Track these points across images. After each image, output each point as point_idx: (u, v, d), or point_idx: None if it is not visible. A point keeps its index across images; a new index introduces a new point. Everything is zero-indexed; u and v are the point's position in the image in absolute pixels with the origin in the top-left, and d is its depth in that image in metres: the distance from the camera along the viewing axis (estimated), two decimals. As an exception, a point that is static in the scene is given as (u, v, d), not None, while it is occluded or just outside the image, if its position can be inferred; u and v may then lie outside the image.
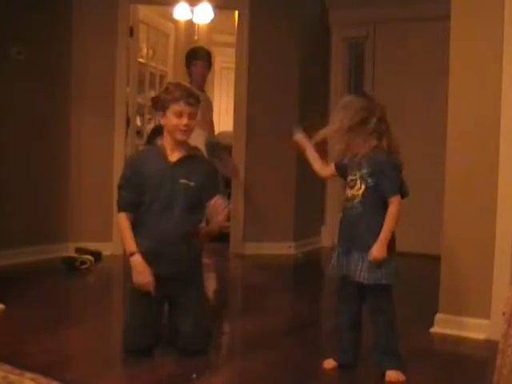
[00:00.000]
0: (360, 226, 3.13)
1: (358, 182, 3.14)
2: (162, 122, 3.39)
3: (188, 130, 3.35)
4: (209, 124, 5.57)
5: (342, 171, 3.29)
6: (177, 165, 3.36)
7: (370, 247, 3.09)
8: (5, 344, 3.48)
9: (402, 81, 6.99)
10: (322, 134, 3.25)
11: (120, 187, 3.42)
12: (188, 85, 3.54)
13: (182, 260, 3.35)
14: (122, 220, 3.35)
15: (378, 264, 3.07)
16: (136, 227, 3.36)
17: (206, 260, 5.06)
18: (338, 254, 3.20)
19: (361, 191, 3.13)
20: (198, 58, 5.57)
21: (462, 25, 3.93)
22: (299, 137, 3.49)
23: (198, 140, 5.16)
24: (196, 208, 3.38)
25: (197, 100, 3.40)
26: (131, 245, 3.30)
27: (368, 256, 3.07)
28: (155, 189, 3.32)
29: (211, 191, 3.37)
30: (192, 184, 3.34)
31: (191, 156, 3.41)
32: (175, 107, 3.31)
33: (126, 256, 3.35)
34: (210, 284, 5.52)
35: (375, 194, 3.12)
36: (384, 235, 3.08)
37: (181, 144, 3.38)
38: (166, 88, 3.40)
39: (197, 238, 3.44)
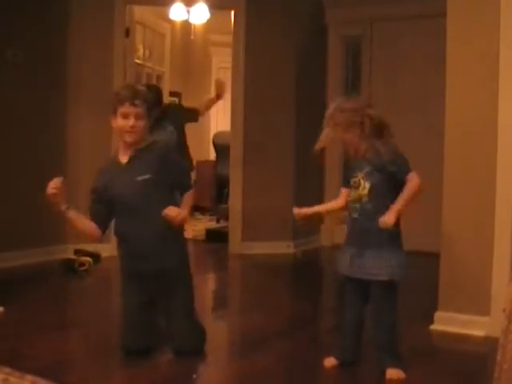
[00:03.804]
0: (373, 224, 3.11)
1: (362, 181, 3.15)
2: (114, 125, 3.37)
3: (135, 132, 3.32)
4: None
5: (347, 181, 3.28)
6: (129, 164, 3.36)
7: (386, 244, 3.10)
8: (5, 346, 3.47)
9: (398, 79, 6.99)
10: (321, 142, 3.24)
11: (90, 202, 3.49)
12: (138, 86, 3.49)
13: (163, 257, 3.35)
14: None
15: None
16: (116, 233, 3.46)
17: None
18: (352, 256, 3.18)
19: (366, 190, 3.13)
20: None
21: (459, 22, 3.93)
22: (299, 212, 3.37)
23: None
24: (167, 197, 3.37)
25: (144, 100, 3.35)
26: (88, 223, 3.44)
27: (379, 223, 3.04)
28: (117, 193, 3.33)
29: (176, 172, 3.44)
30: (148, 176, 3.30)
31: (141, 150, 3.36)
32: (121, 109, 3.30)
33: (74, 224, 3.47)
34: (210, 284, 5.52)
35: (381, 191, 3.12)
36: (398, 205, 3.05)
37: (131, 145, 3.36)
38: (117, 92, 3.41)
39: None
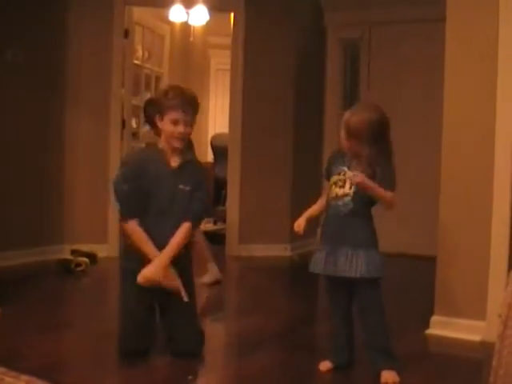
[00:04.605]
0: (351, 223, 3.14)
1: (348, 180, 3.14)
2: (160, 125, 3.39)
3: (183, 139, 3.36)
4: None
5: (329, 176, 3.28)
6: (178, 170, 3.38)
7: (361, 243, 3.11)
8: (0, 346, 3.47)
9: (397, 82, 7.00)
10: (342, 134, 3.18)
11: (123, 192, 3.36)
12: (188, 90, 3.49)
13: (178, 263, 3.35)
14: (135, 228, 3.32)
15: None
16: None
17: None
18: (326, 253, 3.19)
19: (352, 190, 3.13)
20: None
21: (458, 23, 3.94)
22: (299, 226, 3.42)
23: None
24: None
25: (194, 108, 3.39)
26: (153, 251, 3.29)
27: (353, 177, 3.03)
28: (156, 192, 3.33)
29: (196, 196, 3.39)
30: (188, 189, 3.36)
31: (188, 161, 3.44)
32: (172, 114, 3.31)
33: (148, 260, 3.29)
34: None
35: (365, 195, 3.12)
36: (373, 185, 3.03)
37: (178, 149, 3.40)
38: (166, 93, 3.38)
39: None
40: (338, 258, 3.14)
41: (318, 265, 3.24)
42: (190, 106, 3.37)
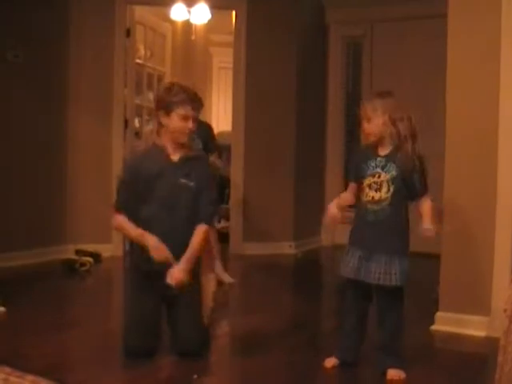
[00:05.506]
0: (389, 228, 3.10)
1: (385, 184, 3.09)
2: (164, 121, 3.39)
3: (189, 134, 3.41)
4: None
5: (359, 176, 3.20)
6: (178, 164, 3.39)
7: (397, 251, 3.09)
8: (5, 346, 3.47)
9: (399, 79, 6.97)
10: (374, 136, 3.16)
11: (118, 189, 3.53)
12: (190, 87, 3.50)
13: (180, 258, 3.33)
14: (120, 218, 3.40)
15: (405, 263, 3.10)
16: (136, 224, 3.39)
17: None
18: (359, 258, 3.12)
19: (390, 194, 3.08)
20: None
21: (460, 22, 3.93)
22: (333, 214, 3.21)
23: None
24: (195, 209, 3.40)
25: (200, 104, 3.45)
26: (137, 230, 3.33)
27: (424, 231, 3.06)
28: (157, 187, 3.34)
29: (206, 196, 3.42)
30: (191, 184, 3.37)
31: (192, 157, 3.46)
32: (181, 111, 3.34)
33: (136, 242, 3.36)
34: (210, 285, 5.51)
35: (401, 196, 3.11)
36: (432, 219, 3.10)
37: (182, 144, 3.42)
38: (170, 89, 3.40)
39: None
40: (371, 264, 3.09)
41: (349, 269, 3.16)
42: (197, 102, 3.42)
